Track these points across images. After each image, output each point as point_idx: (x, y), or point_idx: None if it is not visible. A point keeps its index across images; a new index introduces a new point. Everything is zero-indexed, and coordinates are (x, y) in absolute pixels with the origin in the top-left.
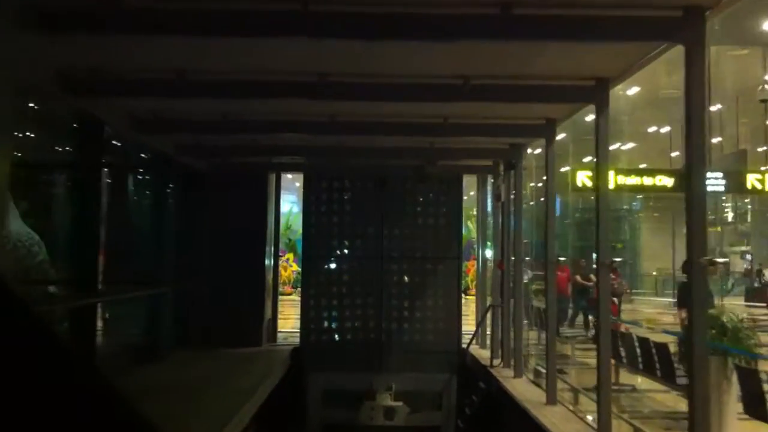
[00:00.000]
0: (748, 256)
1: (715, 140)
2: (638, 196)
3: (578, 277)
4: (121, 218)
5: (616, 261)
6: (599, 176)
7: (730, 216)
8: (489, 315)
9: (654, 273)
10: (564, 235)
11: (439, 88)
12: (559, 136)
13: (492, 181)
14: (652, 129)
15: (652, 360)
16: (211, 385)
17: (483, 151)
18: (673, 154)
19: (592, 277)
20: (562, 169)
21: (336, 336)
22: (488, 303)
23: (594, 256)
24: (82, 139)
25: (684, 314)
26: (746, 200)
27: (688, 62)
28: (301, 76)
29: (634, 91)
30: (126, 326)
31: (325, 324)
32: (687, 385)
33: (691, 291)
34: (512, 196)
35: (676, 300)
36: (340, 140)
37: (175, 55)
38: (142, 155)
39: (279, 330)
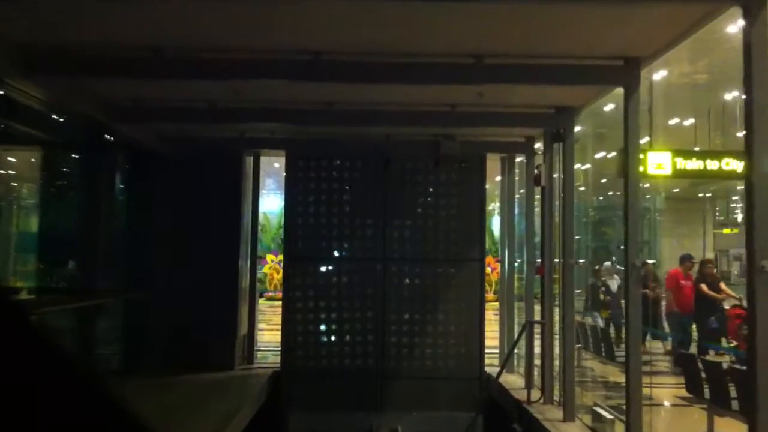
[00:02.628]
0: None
1: (740, 134)
2: (658, 195)
3: (704, 287)
4: (43, 210)
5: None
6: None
7: (739, 217)
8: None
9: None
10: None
11: None
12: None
13: (521, 162)
14: (673, 121)
15: None
16: None
17: (520, 118)
18: (697, 149)
19: (725, 287)
20: (576, 167)
21: (325, 360)
22: (515, 315)
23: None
24: None
25: None
26: None
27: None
28: None
29: (660, 76)
30: None
31: (312, 345)
32: None
33: None
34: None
35: None
36: (329, 94)
37: None
38: (59, 119)
39: (260, 346)
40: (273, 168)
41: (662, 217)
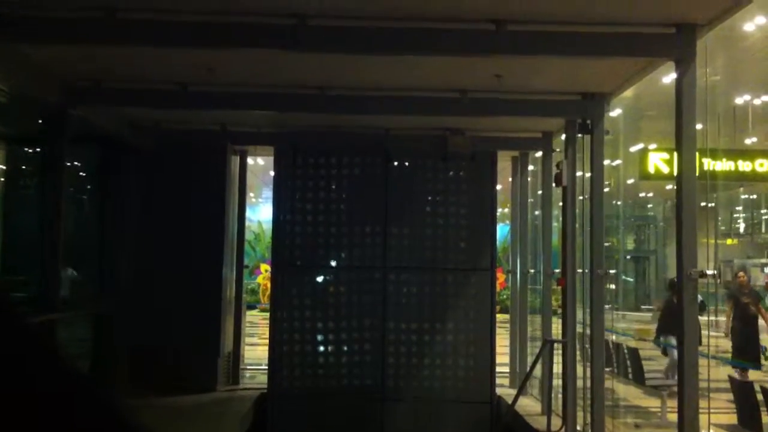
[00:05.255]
0: None
1: (748, 141)
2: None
3: None
4: None
5: None
6: None
7: (742, 227)
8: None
9: None
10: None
11: None
12: (615, 113)
13: (535, 161)
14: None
15: None
16: None
17: (540, 106)
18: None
19: None
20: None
21: (318, 381)
22: (526, 331)
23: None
24: None
25: None
26: (762, 210)
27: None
28: None
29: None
30: None
31: (304, 363)
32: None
33: None
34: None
35: None
36: (321, 75)
37: None
38: (7, 104)
39: (251, 364)
40: (269, 176)
41: (668, 225)
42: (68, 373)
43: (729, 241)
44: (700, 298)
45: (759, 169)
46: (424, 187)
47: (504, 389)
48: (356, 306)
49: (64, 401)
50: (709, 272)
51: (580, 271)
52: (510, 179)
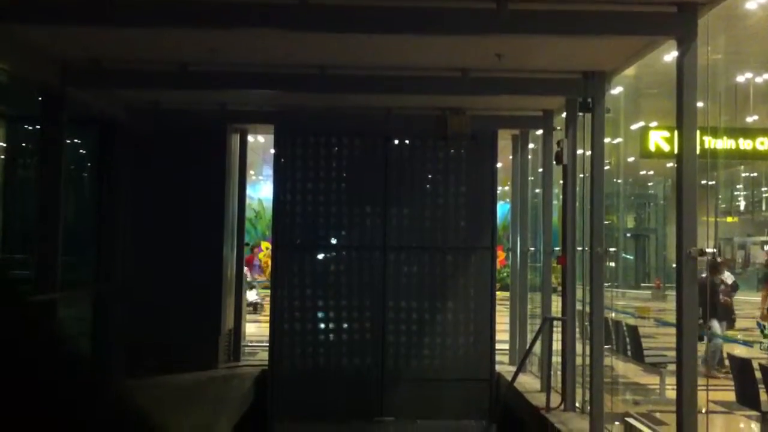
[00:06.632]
0: None
1: (749, 119)
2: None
3: None
4: None
5: None
6: None
7: (742, 205)
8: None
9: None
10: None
11: None
12: (615, 91)
13: (537, 140)
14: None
15: None
16: None
17: (541, 85)
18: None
19: None
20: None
21: (319, 360)
22: (526, 308)
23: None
24: None
25: None
26: (763, 188)
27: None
28: None
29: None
30: None
31: (304, 343)
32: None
33: None
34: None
35: None
36: (321, 54)
37: None
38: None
39: (252, 341)
40: (270, 154)
41: (668, 203)
42: (67, 352)
43: (729, 219)
44: (733, 278)
45: (760, 148)
46: (424, 166)
47: (503, 366)
48: (356, 285)
49: (63, 381)
50: (709, 250)
51: (580, 249)
52: (510, 157)
